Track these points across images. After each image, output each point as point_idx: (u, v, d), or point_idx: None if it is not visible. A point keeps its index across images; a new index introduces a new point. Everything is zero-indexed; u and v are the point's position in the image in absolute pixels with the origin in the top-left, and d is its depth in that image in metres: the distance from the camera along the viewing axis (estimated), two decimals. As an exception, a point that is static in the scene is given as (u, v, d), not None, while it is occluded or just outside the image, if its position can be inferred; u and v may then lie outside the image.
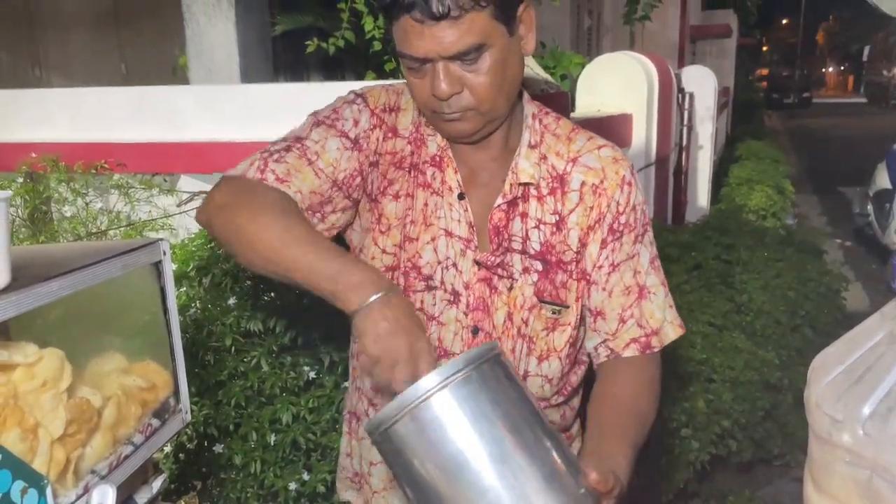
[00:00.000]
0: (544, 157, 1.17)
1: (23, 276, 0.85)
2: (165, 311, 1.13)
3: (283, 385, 2.11)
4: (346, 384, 2.12)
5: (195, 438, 2.30)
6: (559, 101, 2.97)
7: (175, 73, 5.14)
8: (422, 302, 1.16)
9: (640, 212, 1.19)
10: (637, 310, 1.17)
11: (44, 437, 0.85)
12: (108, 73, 7.13)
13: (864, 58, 41.07)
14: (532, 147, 1.17)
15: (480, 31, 1.01)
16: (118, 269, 0.99)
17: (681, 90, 5.02)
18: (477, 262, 1.15)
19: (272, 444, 2.14)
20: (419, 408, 0.80)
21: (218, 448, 2.25)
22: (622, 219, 1.16)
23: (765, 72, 42.11)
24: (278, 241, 1.02)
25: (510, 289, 1.15)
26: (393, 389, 0.91)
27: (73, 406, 0.90)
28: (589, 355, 1.24)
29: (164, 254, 1.10)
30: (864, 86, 43.96)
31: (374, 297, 0.94)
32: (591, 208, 1.16)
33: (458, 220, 1.15)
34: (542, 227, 1.16)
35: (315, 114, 1.21)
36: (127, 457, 1.00)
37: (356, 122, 1.17)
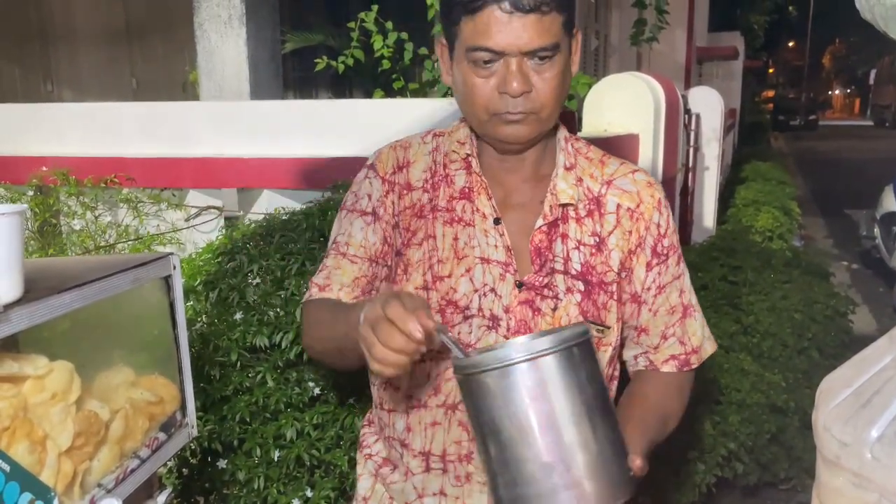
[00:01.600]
0: (580, 180, 1.20)
1: (35, 288, 0.85)
2: (174, 325, 1.14)
3: (287, 401, 2.11)
4: (352, 401, 2.13)
5: (199, 454, 2.30)
6: (566, 120, 2.98)
7: (185, 90, 5.19)
8: (458, 333, 1.16)
9: (676, 233, 1.24)
10: (680, 328, 1.22)
11: (52, 449, 0.85)
12: (119, 88, 7.20)
13: (871, 81, 41.17)
14: (568, 169, 1.20)
15: (558, 32, 1.06)
16: (129, 283, 1.00)
17: (687, 111, 5.04)
18: (518, 285, 1.15)
19: (276, 459, 2.13)
20: (526, 364, 0.88)
21: (221, 463, 2.24)
22: (665, 241, 1.20)
23: (771, 94, 42.22)
24: (324, 335, 1.14)
25: (554, 309, 1.15)
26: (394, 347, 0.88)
27: (81, 419, 0.90)
28: (622, 368, 1.27)
29: (175, 268, 1.11)
30: (870, 109, 44.03)
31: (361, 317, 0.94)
32: (630, 232, 1.18)
33: (495, 246, 1.16)
34: (581, 248, 1.17)
35: (343, 206, 1.28)
36: (133, 470, 1.00)
37: (370, 196, 1.22)
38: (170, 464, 2.43)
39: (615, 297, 1.18)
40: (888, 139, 24.47)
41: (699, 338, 1.23)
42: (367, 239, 1.20)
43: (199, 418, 2.21)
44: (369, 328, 0.90)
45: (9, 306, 0.78)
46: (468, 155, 1.21)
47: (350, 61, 3.79)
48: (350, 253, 1.20)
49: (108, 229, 3.04)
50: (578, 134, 3.70)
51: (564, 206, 1.18)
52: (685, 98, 5.05)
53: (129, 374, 1.07)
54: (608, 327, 1.18)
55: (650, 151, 3.92)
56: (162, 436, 1.08)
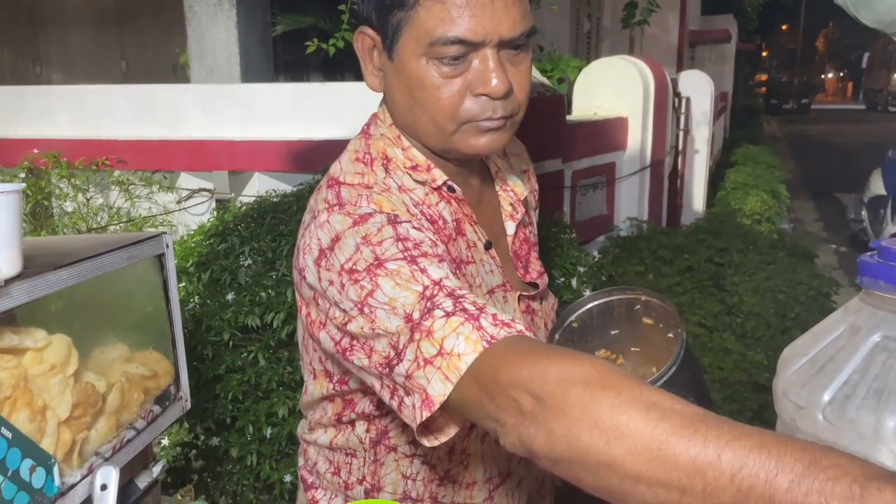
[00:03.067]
0: (510, 165, 1.10)
1: (33, 265, 0.89)
2: (168, 302, 1.18)
3: (279, 380, 2.15)
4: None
5: (192, 431, 2.34)
6: (555, 103, 3.01)
7: (176, 72, 5.18)
8: None
9: None
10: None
11: (51, 418, 0.89)
12: (109, 70, 7.17)
13: (864, 65, 41.20)
14: (503, 158, 1.09)
15: (531, 18, 0.87)
16: (123, 261, 1.03)
17: (677, 94, 5.07)
18: (520, 299, 1.04)
19: (268, 437, 2.18)
20: None
21: (215, 441, 2.29)
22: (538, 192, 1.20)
23: (764, 77, 42.20)
24: (650, 448, 0.90)
25: (541, 302, 1.11)
26: None
27: (79, 390, 0.94)
28: None
29: (167, 247, 1.14)
30: (862, 93, 44.09)
31: None
32: (531, 193, 1.15)
33: (491, 271, 1.00)
34: (530, 232, 1.12)
35: (379, 261, 0.79)
36: (129, 440, 1.04)
37: (433, 242, 0.84)
38: (164, 441, 2.48)
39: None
40: (879, 123, 24.56)
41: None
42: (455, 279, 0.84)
43: (192, 397, 2.25)
44: None
45: (9, 281, 0.82)
46: (446, 182, 0.95)
47: (341, 44, 3.79)
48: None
49: (100, 211, 3.07)
50: (569, 117, 3.74)
51: (524, 199, 1.06)
52: (675, 82, 5.08)
53: (125, 349, 1.11)
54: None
55: (639, 134, 3.97)
56: (157, 408, 1.12)
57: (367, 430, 0.97)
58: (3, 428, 0.80)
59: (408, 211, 0.90)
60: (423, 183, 0.94)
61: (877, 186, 6.45)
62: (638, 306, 1.09)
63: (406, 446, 0.97)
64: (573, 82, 4.05)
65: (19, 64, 7.78)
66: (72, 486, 0.91)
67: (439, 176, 0.94)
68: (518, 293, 1.02)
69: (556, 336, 1.12)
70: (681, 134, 5.24)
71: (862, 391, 0.67)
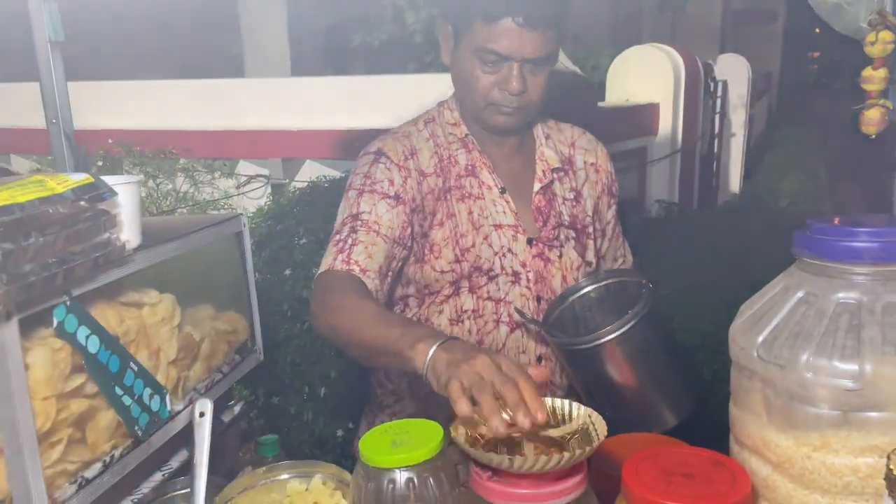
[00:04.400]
0: (555, 145, 1.47)
1: (147, 239, 1.14)
2: (245, 272, 1.42)
3: (332, 346, 2.39)
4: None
5: (254, 393, 2.61)
6: (586, 91, 3.18)
7: (231, 65, 5.45)
8: (488, 292, 1.36)
9: None
10: (622, 248, 1.58)
11: (163, 359, 1.14)
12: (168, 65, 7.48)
13: (923, 40, 39.58)
14: (547, 138, 1.45)
15: (553, 45, 1.27)
16: (212, 236, 1.28)
17: (713, 79, 5.16)
18: (530, 242, 1.37)
19: (322, 396, 2.43)
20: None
21: (275, 400, 2.56)
22: (615, 185, 1.54)
23: (816, 55, 40.97)
24: (355, 328, 1.14)
25: (560, 256, 1.40)
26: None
27: (182, 338, 1.19)
28: None
29: (244, 226, 1.39)
30: (921, 69, 42.34)
31: (434, 346, 0.97)
32: (596, 183, 1.49)
33: (504, 212, 1.36)
34: (566, 202, 1.44)
35: (350, 186, 1.34)
36: (218, 381, 1.29)
37: (391, 181, 1.31)
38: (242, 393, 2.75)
39: (592, 237, 1.46)
40: (937, 101, 23.65)
41: (631, 253, 1.59)
42: (393, 220, 1.29)
43: (254, 361, 2.52)
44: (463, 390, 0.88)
45: (134, 250, 1.06)
46: (466, 135, 1.38)
47: (384, 36, 4.01)
48: (382, 232, 1.28)
49: (168, 196, 3.36)
50: (601, 104, 3.89)
51: (555, 170, 1.42)
52: (711, 66, 5.17)
53: (211, 309, 1.36)
54: (591, 262, 1.45)
55: (670, 120, 4.10)
56: (237, 357, 1.37)
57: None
58: (131, 363, 1.05)
59: (415, 152, 1.34)
60: (454, 134, 1.38)
61: (921, 168, 6.41)
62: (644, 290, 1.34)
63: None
64: (606, 70, 4.20)
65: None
66: (177, 413, 1.16)
67: (463, 130, 1.37)
68: (528, 237, 1.36)
69: (572, 299, 1.39)
70: (717, 117, 5.33)
71: (785, 333, 0.87)
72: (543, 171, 1.41)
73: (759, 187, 5.68)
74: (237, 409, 1.43)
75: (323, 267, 1.28)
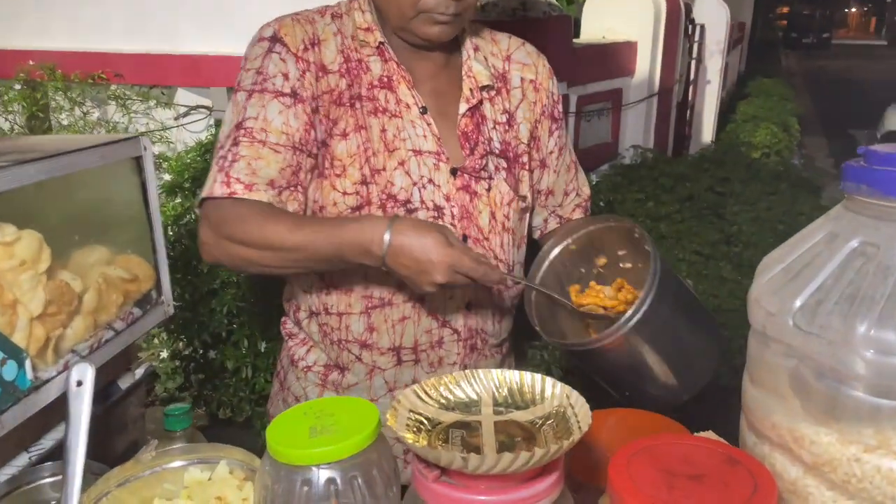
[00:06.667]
0: (486, 59, 1.23)
1: (1, 160, 0.87)
2: (147, 206, 1.16)
3: (276, 293, 2.16)
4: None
5: (190, 345, 2.37)
6: (561, 24, 2.92)
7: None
8: None
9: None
10: (575, 182, 1.35)
11: (22, 314, 0.89)
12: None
13: (889, -2, 39.76)
14: (476, 50, 1.22)
15: None
16: (96, 160, 1.01)
17: (691, 21, 4.91)
18: (454, 173, 1.15)
19: (263, 351, 2.21)
20: None
21: (211, 354, 2.32)
22: (559, 107, 1.31)
23: (786, 10, 40.88)
24: (279, 246, 1.04)
25: (489, 190, 1.18)
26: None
27: (52, 288, 0.94)
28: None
29: (145, 149, 1.12)
30: (885, 28, 42.73)
31: (386, 237, 0.99)
32: (535, 103, 1.26)
33: (424, 136, 1.14)
34: (497, 126, 1.20)
35: (240, 86, 1.12)
36: (108, 340, 1.04)
37: (286, 76, 1.09)
38: (163, 354, 2.52)
39: (527, 167, 1.24)
40: (901, 59, 23.88)
41: (587, 186, 1.37)
42: (289, 124, 1.08)
43: (188, 310, 2.27)
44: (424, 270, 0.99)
45: (-27, 172, 0.80)
46: (381, 43, 1.14)
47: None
48: (271, 141, 1.07)
49: (97, 126, 3.03)
50: (576, 40, 3.64)
51: (484, 88, 1.19)
52: (690, 7, 4.91)
53: (104, 252, 1.10)
54: (524, 196, 1.23)
55: (648, 61, 3.86)
56: (137, 311, 1.12)
57: None
58: (-29, 319, 0.80)
59: (318, 43, 1.12)
60: (366, 41, 1.15)
61: (891, 122, 6.33)
62: (636, 235, 1.13)
63: None
64: (582, 4, 3.93)
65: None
66: (46, 381, 0.92)
67: (377, 37, 1.14)
68: (452, 167, 1.15)
69: (551, 256, 1.20)
70: (693, 63, 5.11)
71: (834, 296, 0.65)
72: (471, 90, 1.18)
73: (732, 137, 5.51)
74: (140, 371, 1.18)
75: (204, 192, 1.08)
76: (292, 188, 1.09)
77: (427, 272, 0.99)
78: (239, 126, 1.08)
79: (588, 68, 3.35)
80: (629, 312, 0.99)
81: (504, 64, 1.24)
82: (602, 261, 1.23)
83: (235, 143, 1.07)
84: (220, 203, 1.06)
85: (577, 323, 1.21)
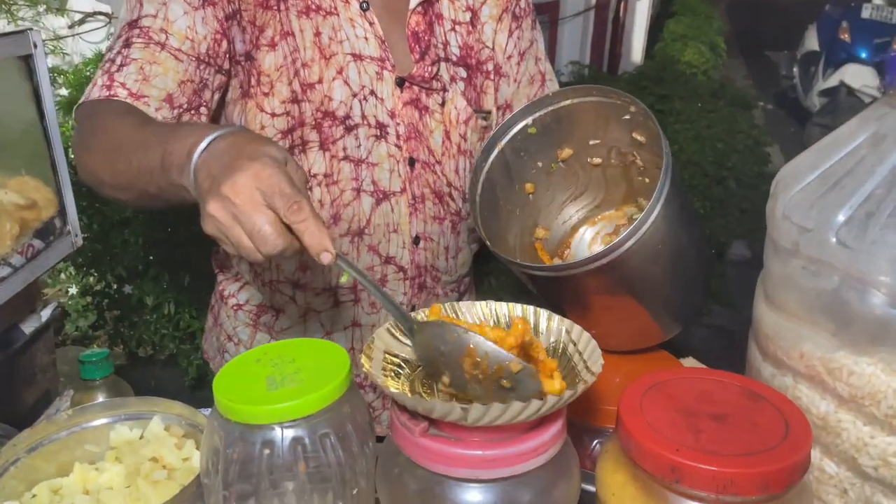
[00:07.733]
0: None
1: None
2: (42, 118, 0.97)
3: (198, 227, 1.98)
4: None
5: (103, 279, 2.17)
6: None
7: None
8: (344, 148, 0.98)
9: None
10: (541, 92, 1.12)
11: None
12: None
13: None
14: None
15: None
16: (-28, 56, 0.82)
17: (624, -68, 4.75)
18: (400, 83, 0.98)
19: (186, 285, 2.03)
20: None
21: (127, 289, 2.13)
22: (522, 3, 1.11)
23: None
24: (124, 166, 0.79)
25: (442, 104, 1.02)
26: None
27: (-75, 216, 0.76)
28: None
29: (36, 47, 0.92)
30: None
31: (213, 135, 0.70)
32: None
33: (365, 38, 0.96)
34: (457, 27, 1.04)
35: None
36: (4, 278, 0.87)
37: None
38: (72, 290, 2.30)
39: (492, 76, 1.07)
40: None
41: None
42: (195, 29, 0.89)
43: (100, 241, 2.06)
44: (229, 210, 0.65)
45: None
46: None
47: None
48: (171, 45, 0.88)
49: (-21, 36, 2.67)
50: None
51: None
52: (622, -82, 4.75)
53: (-7, 174, 0.92)
54: (488, 112, 1.07)
55: (584, -29, 3.70)
56: (38, 243, 0.95)
57: None
58: None
59: None
60: None
61: (811, 42, 6.40)
62: (627, 116, 0.91)
63: None
64: None
65: None
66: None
67: None
68: (398, 76, 0.98)
69: (501, 144, 0.97)
70: (624, -23, 4.98)
71: (888, 208, 0.56)
72: None
73: (662, 55, 5.46)
74: (47, 313, 1.01)
75: (83, 97, 0.89)
76: (194, 110, 0.90)
77: (221, 183, 0.65)
78: (133, 24, 0.89)
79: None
80: (633, 225, 0.79)
81: None
82: (566, 152, 1.00)
83: (127, 45, 0.88)
84: (94, 106, 0.86)
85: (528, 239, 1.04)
